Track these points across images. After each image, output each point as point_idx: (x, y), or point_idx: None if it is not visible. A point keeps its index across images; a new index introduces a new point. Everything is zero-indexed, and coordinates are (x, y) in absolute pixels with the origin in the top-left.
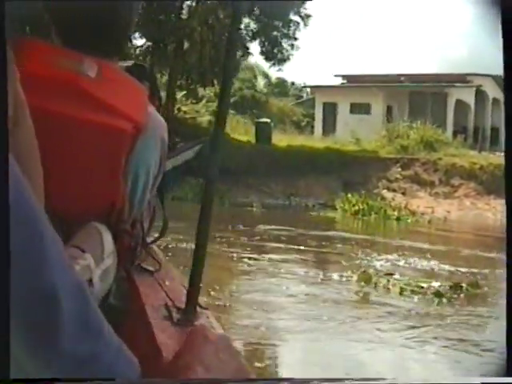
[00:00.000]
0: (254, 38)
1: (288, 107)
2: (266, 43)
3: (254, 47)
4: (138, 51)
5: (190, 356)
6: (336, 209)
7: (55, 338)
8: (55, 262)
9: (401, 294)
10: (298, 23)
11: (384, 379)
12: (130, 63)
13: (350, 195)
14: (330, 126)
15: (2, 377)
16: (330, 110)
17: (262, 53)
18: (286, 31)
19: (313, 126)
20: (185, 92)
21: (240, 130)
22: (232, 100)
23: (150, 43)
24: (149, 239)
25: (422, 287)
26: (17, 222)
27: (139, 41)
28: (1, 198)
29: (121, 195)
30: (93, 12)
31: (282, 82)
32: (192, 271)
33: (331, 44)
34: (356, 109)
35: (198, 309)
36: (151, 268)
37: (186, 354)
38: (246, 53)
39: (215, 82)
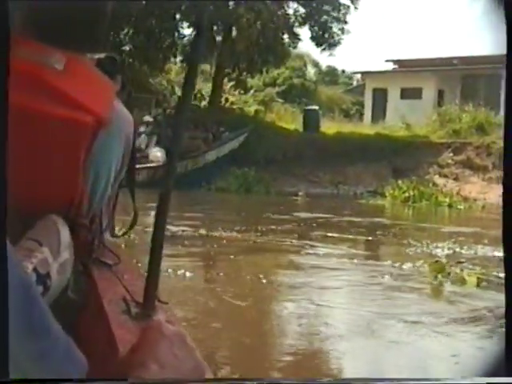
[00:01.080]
0: (303, 24)
1: (337, 95)
2: (316, 28)
3: (304, 32)
4: (184, 41)
5: (144, 352)
6: (385, 196)
7: (1, 337)
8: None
9: (478, 285)
10: (348, 6)
11: (385, 379)
12: (102, 55)
13: (400, 182)
14: (379, 112)
15: (2, 377)
16: (380, 96)
17: (311, 38)
18: (335, 15)
19: (362, 114)
20: (233, 83)
21: (287, 118)
22: (281, 89)
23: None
24: (107, 234)
25: (500, 277)
26: None
27: (186, 30)
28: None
29: (80, 190)
30: (62, 6)
31: (332, 70)
32: (150, 265)
33: (382, 28)
34: (407, 94)
35: (157, 303)
36: (110, 262)
37: (140, 350)
38: (296, 39)
39: (263, 70)
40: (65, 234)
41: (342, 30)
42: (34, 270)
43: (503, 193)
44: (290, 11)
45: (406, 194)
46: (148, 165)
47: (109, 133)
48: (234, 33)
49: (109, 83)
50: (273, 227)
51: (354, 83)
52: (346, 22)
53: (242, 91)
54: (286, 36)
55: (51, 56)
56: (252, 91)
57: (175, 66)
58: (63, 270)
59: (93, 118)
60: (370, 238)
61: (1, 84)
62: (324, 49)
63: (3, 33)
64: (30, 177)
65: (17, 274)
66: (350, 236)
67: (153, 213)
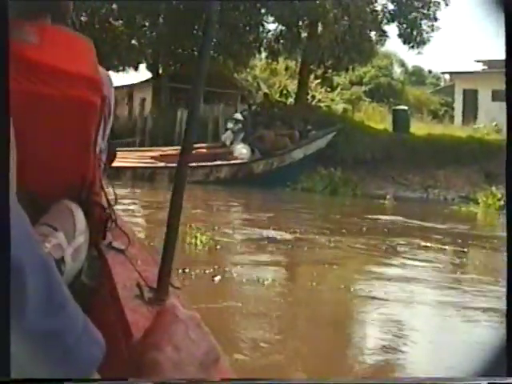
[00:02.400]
0: (391, 20)
1: (425, 96)
2: (405, 25)
3: (392, 30)
4: (269, 35)
5: (158, 335)
6: (478, 203)
7: (17, 311)
8: (20, 237)
9: None
10: (439, 3)
11: (385, 379)
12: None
13: (494, 188)
14: (470, 114)
15: (3, 377)
16: (471, 98)
17: (399, 35)
18: (425, 12)
19: (452, 116)
20: (319, 80)
21: (376, 118)
22: (368, 87)
23: (282, 27)
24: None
25: None
26: None
27: (271, 25)
28: (1, 196)
29: (92, 168)
30: None
31: (419, 71)
32: (164, 250)
33: (472, 26)
34: (498, 96)
35: (170, 288)
36: (122, 246)
37: (154, 332)
38: (383, 36)
39: (349, 67)
40: (80, 218)
41: (432, 27)
42: (48, 253)
43: (506, 194)
44: (378, 7)
45: (502, 202)
46: (231, 161)
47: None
48: (320, 28)
49: (87, 42)
50: (356, 231)
51: (442, 84)
52: (436, 19)
53: (328, 89)
54: (373, 33)
55: (21, 29)
56: (338, 89)
57: (260, 63)
58: (77, 254)
59: (98, 94)
60: (464, 249)
61: (2, 80)
62: (412, 46)
63: (3, 32)
64: (40, 160)
65: (39, 252)
66: (440, 245)
67: (234, 210)
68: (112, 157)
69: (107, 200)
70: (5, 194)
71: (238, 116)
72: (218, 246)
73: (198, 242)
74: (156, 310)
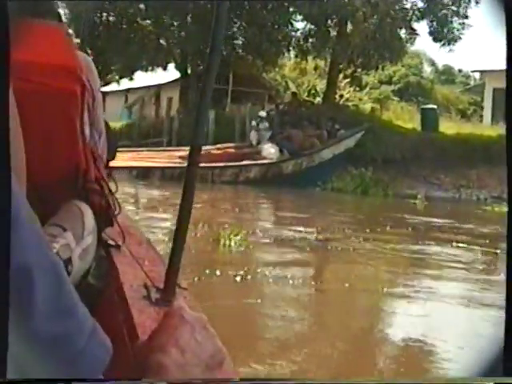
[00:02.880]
0: (421, 18)
1: (454, 94)
2: (435, 23)
3: (422, 28)
4: (298, 34)
5: (164, 337)
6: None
7: (26, 314)
8: (30, 239)
9: None
10: (469, 0)
11: (385, 379)
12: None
13: None
14: (499, 113)
15: None
16: (501, 96)
17: (430, 33)
18: (455, 9)
19: (481, 115)
20: (348, 80)
21: (404, 117)
22: (397, 86)
23: (311, 26)
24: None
25: None
26: None
27: (300, 24)
28: (2, 195)
29: (83, 156)
30: None
31: (448, 69)
32: (172, 251)
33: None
34: None
35: (177, 289)
36: (119, 242)
37: (160, 334)
38: (413, 34)
39: (379, 66)
40: (89, 218)
41: (463, 24)
42: (56, 254)
43: (508, 194)
44: (408, 5)
45: None
46: (261, 161)
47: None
48: (349, 27)
49: (60, 29)
50: (388, 230)
51: (471, 83)
52: (466, 17)
53: (357, 88)
54: (402, 31)
55: None
56: (367, 88)
57: (290, 62)
58: (85, 254)
59: (80, 83)
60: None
61: (2, 82)
62: (443, 44)
63: (3, 32)
64: (32, 153)
65: (48, 255)
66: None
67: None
68: (113, 153)
69: (108, 189)
70: (6, 195)
71: (263, 114)
72: (251, 247)
73: (232, 244)
74: (163, 310)
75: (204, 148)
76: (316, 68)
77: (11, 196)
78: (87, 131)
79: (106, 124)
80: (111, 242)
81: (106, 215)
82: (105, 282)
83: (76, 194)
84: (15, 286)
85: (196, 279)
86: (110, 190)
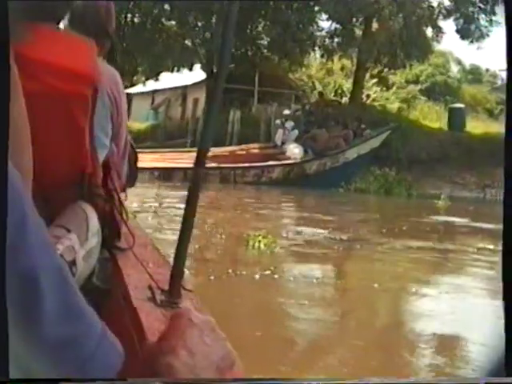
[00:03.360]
0: (447, 16)
1: (481, 94)
2: (462, 20)
3: (448, 26)
4: (323, 33)
5: (173, 339)
6: None
7: (36, 320)
8: (37, 243)
9: None
10: None
11: (385, 379)
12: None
13: None
14: None
15: (2, 377)
16: None
17: (457, 31)
18: (483, 6)
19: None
20: (375, 80)
21: (432, 116)
22: (424, 86)
23: (336, 25)
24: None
25: None
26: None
27: (325, 23)
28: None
29: (90, 159)
30: None
31: (475, 69)
32: (176, 253)
33: None
34: None
35: (183, 291)
36: (125, 246)
37: (169, 337)
38: (440, 32)
39: (406, 65)
40: (93, 220)
41: (490, 21)
42: (60, 256)
43: (504, 193)
44: (435, 3)
45: None
46: (283, 162)
47: (101, 94)
48: (375, 25)
49: (87, 42)
50: (411, 231)
51: (499, 82)
52: (494, 14)
53: (383, 88)
54: (429, 29)
55: (14, 31)
56: (394, 88)
57: (316, 63)
58: (90, 256)
59: (88, 86)
60: None
61: (3, 82)
62: (472, 41)
63: (3, 33)
64: (40, 157)
65: (54, 259)
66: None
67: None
68: (133, 181)
69: (117, 195)
70: (4, 195)
71: (287, 112)
72: (278, 248)
73: (262, 246)
74: (169, 312)
75: (228, 149)
76: (343, 68)
77: (15, 202)
78: (106, 141)
79: (135, 154)
80: (115, 245)
81: (111, 221)
82: (109, 283)
83: (81, 197)
84: (23, 291)
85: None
86: (121, 200)
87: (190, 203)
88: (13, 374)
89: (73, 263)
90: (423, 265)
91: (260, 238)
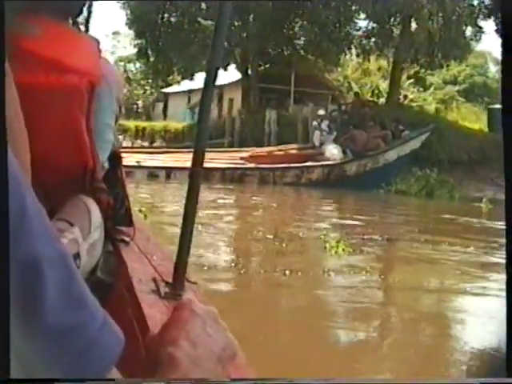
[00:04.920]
0: (488, 16)
1: None
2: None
3: (488, 26)
4: (360, 33)
5: (175, 330)
6: None
7: (38, 307)
8: (38, 232)
9: None
10: None
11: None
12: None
13: None
14: None
15: (2, 377)
16: None
17: (496, 31)
18: None
19: None
20: (412, 80)
21: (471, 117)
22: (462, 87)
23: (373, 24)
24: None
25: None
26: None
27: (362, 22)
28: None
29: (90, 154)
30: None
31: None
32: (180, 245)
33: None
34: None
35: (186, 283)
36: (126, 238)
37: (171, 328)
38: (479, 32)
39: (444, 65)
40: (96, 213)
41: None
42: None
43: (506, 189)
44: (475, 2)
45: None
46: (323, 162)
47: (102, 90)
48: (414, 25)
49: (93, 41)
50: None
51: None
52: None
53: (421, 88)
54: (469, 29)
55: (24, 23)
56: (431, 89)
57: (352, 63)
58: (93, 249)
59: (85, 79)
60: None
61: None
62: None
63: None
64: (38, 151)
65: (57, 247)
66: None
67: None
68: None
69: (123, 188)
70: (5, 190)
71: (321, 112)
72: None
73: (340, 250)
74: (172, 304)
75: (266, 149)
76: (379, 69)
77: (15, 190)
78: (110, 136)
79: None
80: (119, 238)
81: (111, 215)
82: (114, 276)
83: (82, 191)
84: (25, 279)
85: None
86: (126, 193)
87: (190, 199)
88: (13, 368)
89: (77, 256)
90: (465, 266)
91: (334, 242)
